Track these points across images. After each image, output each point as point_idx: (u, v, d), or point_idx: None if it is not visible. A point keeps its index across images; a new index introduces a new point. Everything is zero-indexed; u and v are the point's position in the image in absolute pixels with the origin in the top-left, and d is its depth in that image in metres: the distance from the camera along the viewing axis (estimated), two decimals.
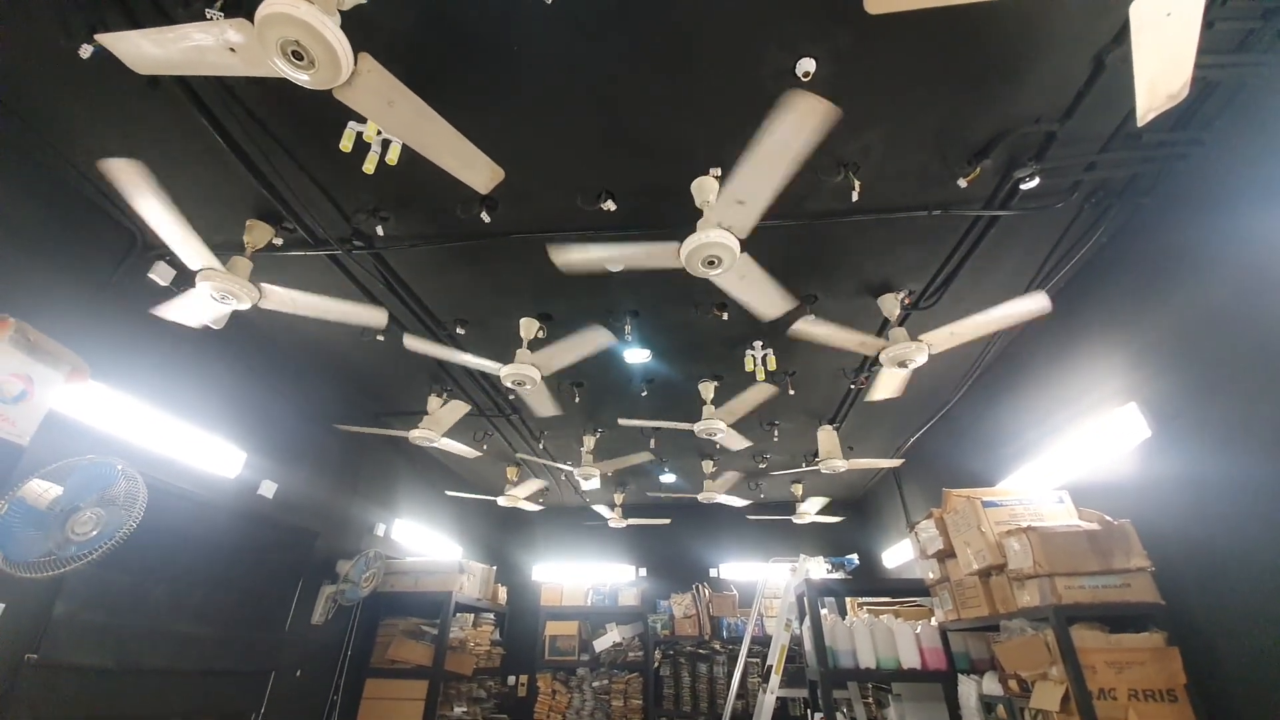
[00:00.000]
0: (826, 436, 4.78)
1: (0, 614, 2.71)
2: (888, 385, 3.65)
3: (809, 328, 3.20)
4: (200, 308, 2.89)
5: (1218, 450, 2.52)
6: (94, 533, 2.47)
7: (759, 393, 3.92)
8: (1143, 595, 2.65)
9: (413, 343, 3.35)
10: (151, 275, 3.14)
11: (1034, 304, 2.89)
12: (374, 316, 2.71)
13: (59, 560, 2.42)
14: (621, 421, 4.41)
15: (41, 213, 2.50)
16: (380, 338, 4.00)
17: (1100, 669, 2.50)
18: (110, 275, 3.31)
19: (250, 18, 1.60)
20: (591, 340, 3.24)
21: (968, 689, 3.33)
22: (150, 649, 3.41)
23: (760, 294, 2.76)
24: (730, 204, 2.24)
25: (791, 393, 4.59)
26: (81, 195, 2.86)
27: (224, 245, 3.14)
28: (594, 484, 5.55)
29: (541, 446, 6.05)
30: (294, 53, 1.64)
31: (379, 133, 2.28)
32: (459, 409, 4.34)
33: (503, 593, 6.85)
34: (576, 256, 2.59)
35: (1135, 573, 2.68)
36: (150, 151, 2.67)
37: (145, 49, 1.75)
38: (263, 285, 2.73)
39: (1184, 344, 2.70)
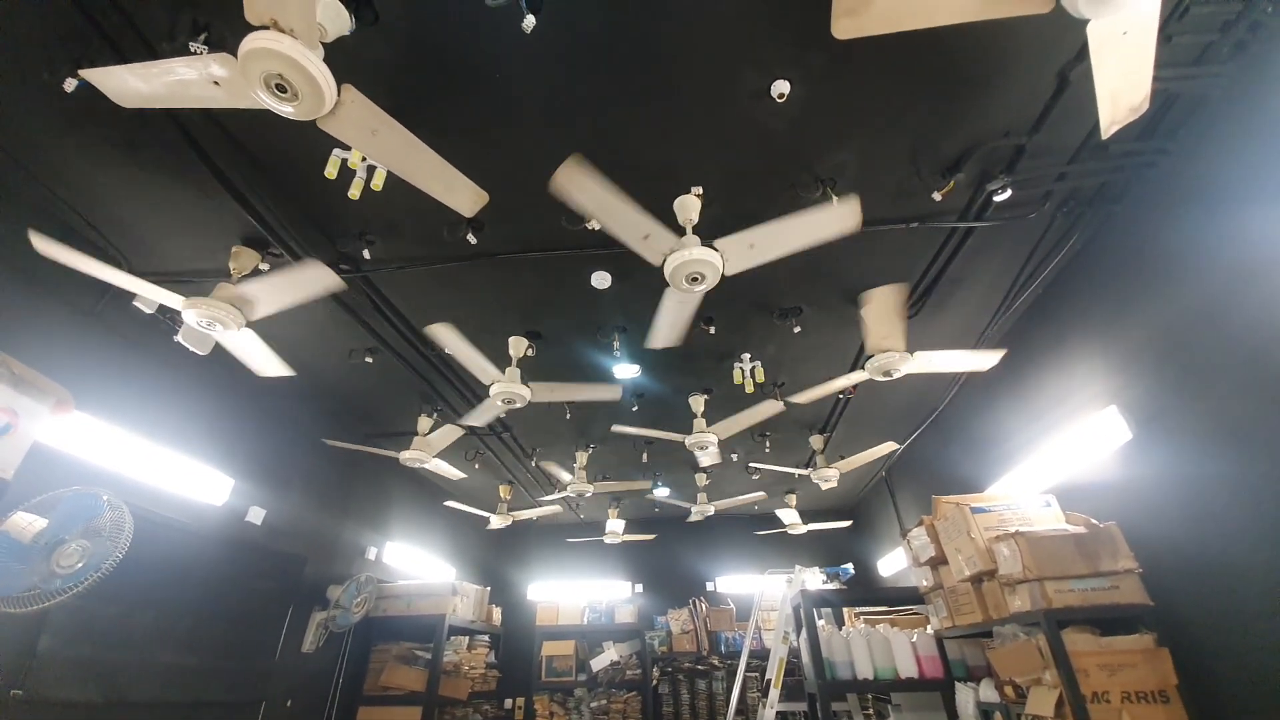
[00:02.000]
0: (882, 447, 4.77)
1: None
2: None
3: (799, 398, 3.67)
4: (253, 352, 2.96)
5: (1197, 450, 2.57)
6: (79, 565, 2.45)
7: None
8: (1131, 596, 2.67)
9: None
10: (136, 304, 3.13)
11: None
12: (323, 277, 2.58)
13: (44, 594, 2.39)
14: (615, 429, 4.37)
15: (25, 243, 2.50)
16: (369, 359, 4.00)
17: (1093, 672, 2.51)
18: (94, 305, 3.31)
19: (234, 51, 1.63)
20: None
21: (965, 697, 3.34)
22: (138, 681, 3.35)
23: (806, 233, 2.43)
24: (640, 241, 2.41)
25: (781, 404, 4.63)
26: (65, 225, 2.86)
27: (210, 272, 3.16)
28: (582, 486, 5.46)
29: (535, 464, 6.02)
30: (277, 85, 1.67)
31: (363, 159, 2.30)
32: (452, 433, 4.33)
33: (497, 613, 6.77)
34: (658, 344, 3.08)
35: (1123, 574, 2.71)
36: (135, 180, 2.68)
37: (130, 83, 1.77)
38: (243, 290, 2.66)
39: (1160, 346, 2.76)
